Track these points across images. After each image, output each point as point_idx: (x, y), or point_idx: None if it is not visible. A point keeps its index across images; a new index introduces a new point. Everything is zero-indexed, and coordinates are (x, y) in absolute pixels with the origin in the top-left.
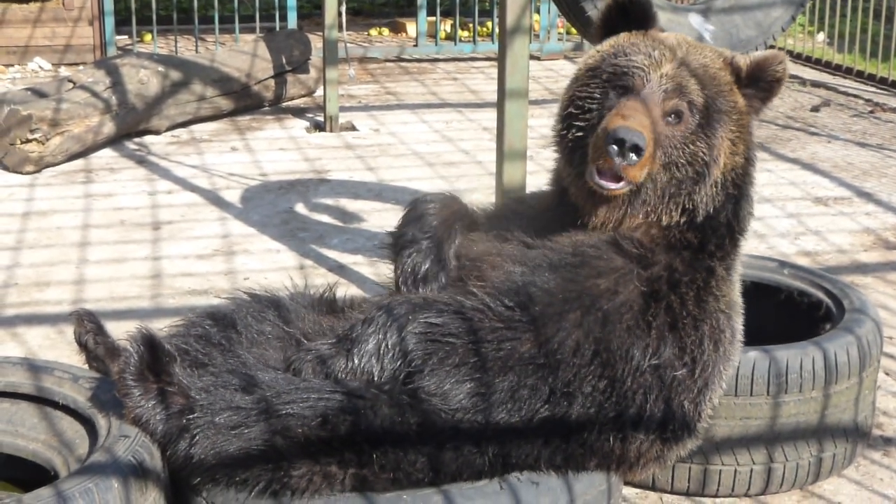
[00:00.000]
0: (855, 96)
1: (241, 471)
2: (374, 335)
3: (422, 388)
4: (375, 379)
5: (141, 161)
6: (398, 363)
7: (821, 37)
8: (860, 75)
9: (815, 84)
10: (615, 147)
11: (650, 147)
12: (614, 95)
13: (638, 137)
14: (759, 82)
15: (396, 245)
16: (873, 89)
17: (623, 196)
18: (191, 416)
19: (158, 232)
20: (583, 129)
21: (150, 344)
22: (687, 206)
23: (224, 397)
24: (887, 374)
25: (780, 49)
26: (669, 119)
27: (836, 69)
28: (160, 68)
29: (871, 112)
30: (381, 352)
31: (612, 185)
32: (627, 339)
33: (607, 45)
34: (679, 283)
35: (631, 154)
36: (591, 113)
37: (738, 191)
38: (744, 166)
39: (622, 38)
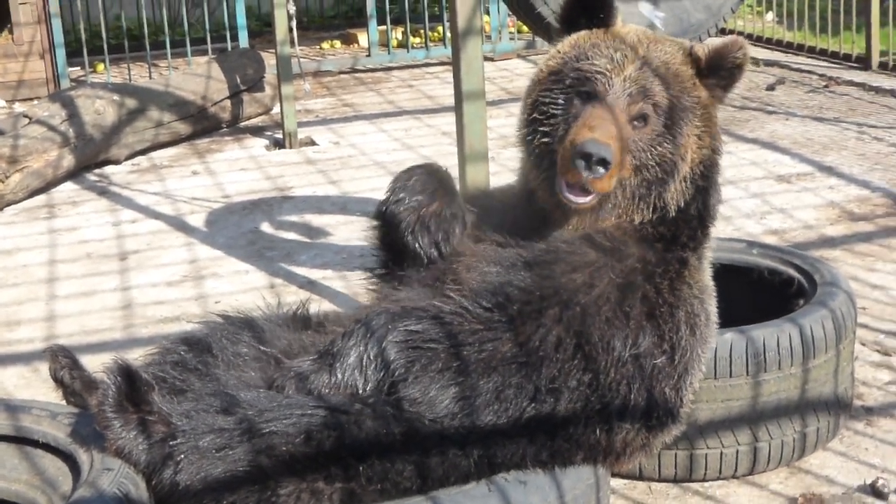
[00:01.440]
0: (808, 72)
1: (228, 494)
2: (355, 348)
3: (407, 396)
4: (360, 391)
5: (103, 192)
6: (381, 374)
7: (770, 16)
8: (812, 51)
9: (769, 63)
10: (582, 161)
11: (617, 157)
12: (578, 102)
13: (604, 150)
14: (720, 70)
15: (389, 213)
16: (826, 64)
17: (596, 205)
18: (174, 443)
19: (126, 262)
20: (548, 134)
21: (126, 374)
22: (658, 204)
23: (206, 421)
24: (863, 344)
25: (730, 31)
26: (636, 123)
27: (788, 47)
28: (115, 97)
29: (826, 87)
30: (364, 364)
31: (582, 200)
32: (608, 331)
33: (568, 44)
34: (653, 274)
35: (598, 167)
36: (555, 118)
37: (706, 182)
38: (710, 157)
39: (583, 37)
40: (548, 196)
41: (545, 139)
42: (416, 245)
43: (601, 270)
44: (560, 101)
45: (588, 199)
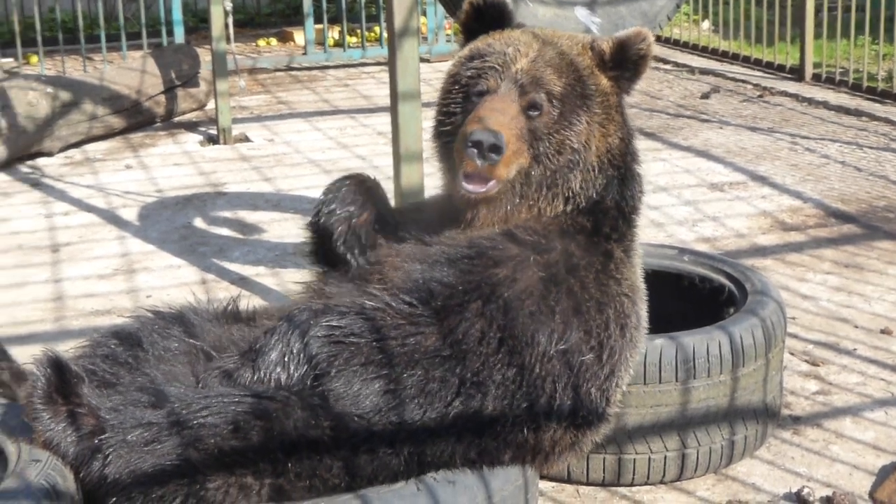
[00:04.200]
0: (743, 82)
1: (157, 487)
2: (278, 343)
3: (330, 390)
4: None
5: (35, 184)
6: (304, 368)
7: (706, 24)
8: (747, 61)
9: (704, 71)
10: (474, 150)
11: (512, 144)
12: (475, 99)
13: (494, 137)
14: (625, 62)
15: (322, 224)
16: (760, 74)
17: (498, 195)
18: (102, 437)
19: (57, 254)
20: (450, 133)
21: (56, 366)
22: (566, 194)
23: (134, 415)
24: (792, 353)
25: (666, 38)
26: (531, 113)
27: (724, 56)
28: (49, 89)
29: (760, 96)
30: (286, 359)
31: (481, 189)
32: (531, 325)
33: (467, 50)
34: (577, 268)
35: (491, 154)
36: (455, 117)
37: (618, 171)
38: (619, 146)
39: (480, 40)
40: (457, 194)
41: (447, 139)
42: (349, 255)
43: (523, 264)
44: (458, 100)
45: (486, 187)
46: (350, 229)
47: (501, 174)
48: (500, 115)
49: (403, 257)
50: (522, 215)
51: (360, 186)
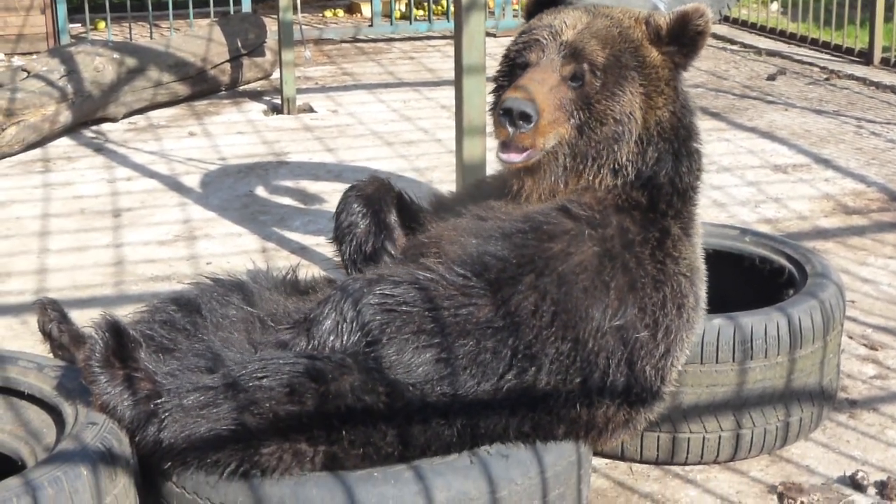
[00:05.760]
0: (810, 64)
1: (212, 452)
2: (331, 312)
3: (382, 358)
4: None
5: (99, 149)
6: (357, 336)
7: (775, 6)
8: (815, 43)
9: (771, 53)
10: (505, 118)
11: (547, 113)
12: (520, 72)
13: (523, 104)
14: (682, 37)
15: (337, 238)
16: (828, 57)
17: (541, 165)
18: (158, 401)
19: (119, 219)
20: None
21: (115, 330)
22: (613, 165)
23: (190, 379)
24: (850, 337)
25: (734, 19)
26: (571, 83)
27: (791, 38)
28: (115, 55)
29: (827, 79)
30: (340, 328)
31: (515, 158)
32: (586, 300)
33: (522, 27)
34: (633, 243)
35: (521, 122)
36: (502, 90)
37: (671, 146)
38: (670, 120)
39: (535, 18)
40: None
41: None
42: (349, 267)
43: (578, 238)
44: (505, 73)
45: (521, 157)
46: (352, 243)
47: (538, 143)
48: (538, 85)
49: (459, 232)
50: (570, 187)
51: (363, 195)
